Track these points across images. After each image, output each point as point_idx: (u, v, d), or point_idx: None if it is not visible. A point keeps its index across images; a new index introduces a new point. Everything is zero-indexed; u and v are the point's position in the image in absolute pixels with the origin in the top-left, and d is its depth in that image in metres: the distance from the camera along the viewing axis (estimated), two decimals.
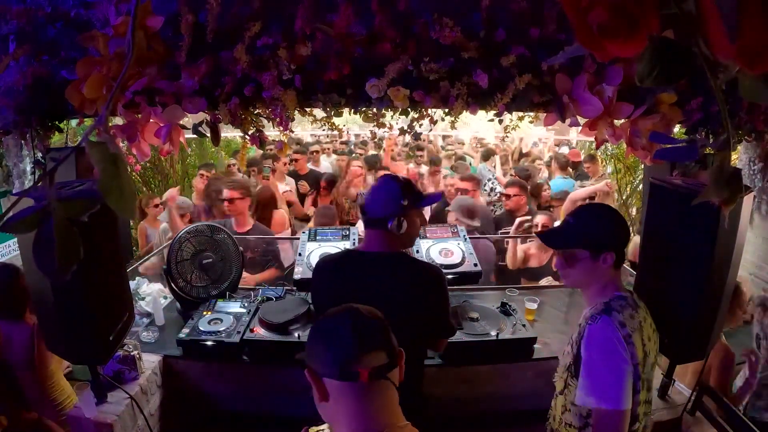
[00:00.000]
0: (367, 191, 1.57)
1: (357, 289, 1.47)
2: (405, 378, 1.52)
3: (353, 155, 6.06)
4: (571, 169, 5.42)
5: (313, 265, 1.63)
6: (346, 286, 1.50)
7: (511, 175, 5.21)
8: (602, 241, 1.30)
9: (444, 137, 9.49)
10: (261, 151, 4.85)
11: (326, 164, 5.84)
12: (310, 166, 5.29)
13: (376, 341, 0.90)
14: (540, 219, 3.42)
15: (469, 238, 2.52)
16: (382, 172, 4.33)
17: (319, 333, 0.93)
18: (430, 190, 4.87)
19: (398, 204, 1.48)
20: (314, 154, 5.84)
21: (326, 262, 1.59)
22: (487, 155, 6.09)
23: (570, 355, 1.32)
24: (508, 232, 3.54)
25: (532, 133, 8.70)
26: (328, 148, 7.02)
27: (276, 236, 3.42)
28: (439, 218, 3.83)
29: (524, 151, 7.25)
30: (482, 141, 8.63)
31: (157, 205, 3.85)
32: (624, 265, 1.66)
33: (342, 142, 7.60)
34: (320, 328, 0.94)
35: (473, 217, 3.14)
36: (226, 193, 3.15)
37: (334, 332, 0.90)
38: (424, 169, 5.62)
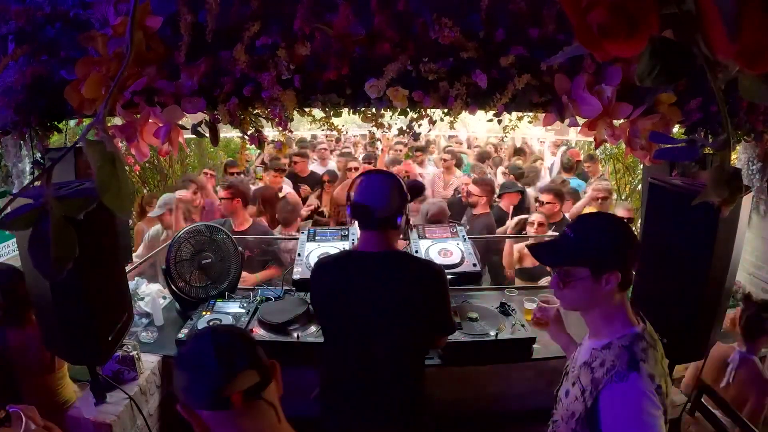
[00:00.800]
0: (366, 193, 1.49)
1: (359, 289, 1.47)
2: (406, 377, 1.53)
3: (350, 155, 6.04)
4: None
5: (312, 266, 1.62)
6: (348, 287, 1.49)
7: (503, 173, 5.24)
8: (605, 259, 1.11)
9: (450, 137, 9.44)
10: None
11: (333, 164, 5.80)
12: (316, 167, 5.27)
13: (242, 361, 0.84)
14: (535, 218, 3.38)
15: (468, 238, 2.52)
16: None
17: (183, 364, 0.85)
18: (440, 187, 4.91)
19: (404, 199, 1.49)
20: (322, 151, 5.80)
21: (326, 262, 1.57)
22: (482, 157, 6.09)
23: (580, 403, 1.14)
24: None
25: (531, 134, 8.70)
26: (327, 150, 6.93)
27: (276, 236, 3.42)
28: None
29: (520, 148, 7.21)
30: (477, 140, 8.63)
31: None
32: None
33: (322, 146, 7.06)
34: (183, 358, 0.86)
35: (440, 222, 3.06)
36: (220, 192, 3.24)
37: (197, 360, 0.83)
38: (430, 169, 5.63)
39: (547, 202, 3.55)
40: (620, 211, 3.35)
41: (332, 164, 5.64)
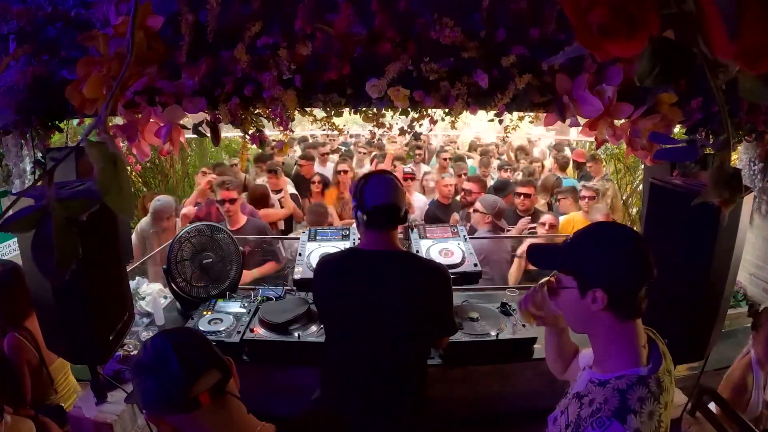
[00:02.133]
0: (385, 194, 1.48)
1: (363, 288, 1.46)
2: (408, 377, 1.53)
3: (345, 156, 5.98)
4: (574, 170, 5.41)
5: (314, 265, 1.62)
6: (352, 286, 1.49)
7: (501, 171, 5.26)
8: (588, 270, 0.99)
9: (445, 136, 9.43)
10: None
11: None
12: (318, 168, 5.25)
13: (204, 361, 0.86)
14: (546, 218, 3.42)
15: (469, 238, 2.53)
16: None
17: (145, 372, 0.85)
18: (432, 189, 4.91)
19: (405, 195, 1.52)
20: (324, 156, 5.76)
21: (329, 261, 1.57)
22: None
23: None
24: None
25: (532, 134, 8.69)
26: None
27: (275, 236, 3.43)
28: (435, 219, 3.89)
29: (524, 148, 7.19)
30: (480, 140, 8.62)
31: None
32: None
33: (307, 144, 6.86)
34: (144, 367, 0.86)
35: (500, 218, 3.17)
36: (225, 193, 3.16)
37: (161, 367, 0.83)
38: (425, 168, 5.62)
39: (533, 195, 3.82)
40: (597, 215, 3.37)
41: (330, 166, 5.61)
